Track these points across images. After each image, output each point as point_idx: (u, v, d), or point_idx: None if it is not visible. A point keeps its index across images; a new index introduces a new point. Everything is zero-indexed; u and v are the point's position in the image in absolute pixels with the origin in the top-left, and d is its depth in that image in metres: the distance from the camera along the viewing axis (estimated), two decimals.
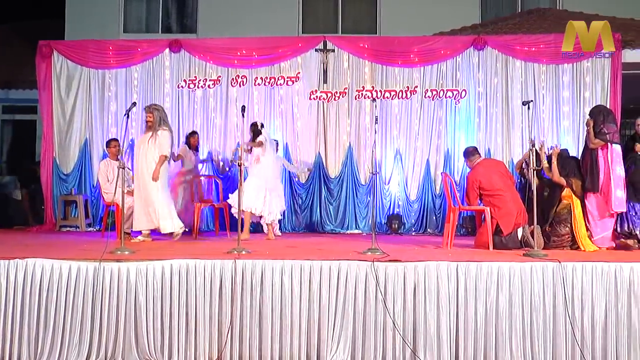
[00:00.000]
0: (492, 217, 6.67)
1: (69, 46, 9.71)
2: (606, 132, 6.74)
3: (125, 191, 6.66)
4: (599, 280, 5.22)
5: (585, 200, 6.70)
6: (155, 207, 7.13)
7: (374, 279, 5.22)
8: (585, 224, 6.65)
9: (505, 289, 5.21)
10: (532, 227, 6.24)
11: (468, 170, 7.50)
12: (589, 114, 7.07)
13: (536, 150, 6.98)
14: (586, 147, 7.10)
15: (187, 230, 7.77)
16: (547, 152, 7.04)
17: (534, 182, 6.09)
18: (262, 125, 8.03)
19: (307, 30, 13.02)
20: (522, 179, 7.87)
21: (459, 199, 7.50)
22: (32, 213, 9.98)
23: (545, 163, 6.87)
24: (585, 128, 7.22)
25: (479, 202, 6.97)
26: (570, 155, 7.42)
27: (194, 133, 8.93)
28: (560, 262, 5.27)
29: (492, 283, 5.22)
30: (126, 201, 6.71)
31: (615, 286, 5.21)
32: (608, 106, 8.46)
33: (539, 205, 6.14)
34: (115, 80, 9.49)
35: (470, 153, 7.31)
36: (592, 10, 11.44)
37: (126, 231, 7.06)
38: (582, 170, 6.87)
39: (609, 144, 6.71)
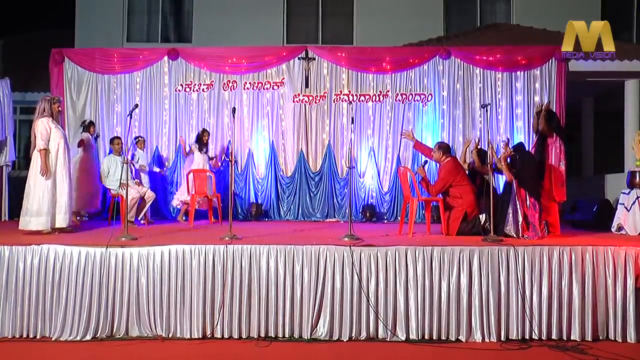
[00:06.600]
0: (459, 205, 6.68)
1: (78, 54, 9.59)
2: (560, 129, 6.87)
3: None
4: (545, 262, 5.26)
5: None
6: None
7: (350, 262, 5.20)
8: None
9: (466, 270, 5.22)
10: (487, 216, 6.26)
11: (427, 160, 7.44)
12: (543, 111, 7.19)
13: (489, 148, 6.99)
14: (538, 141, 7.18)
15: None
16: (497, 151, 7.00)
17: (491, 177, 6.11)
18: None
19: (290, 40, 13.02)
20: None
21: (418, 190, 7.46)
22: None
23: (499, 163, 6.84)
24: (535, 116, 7.34)
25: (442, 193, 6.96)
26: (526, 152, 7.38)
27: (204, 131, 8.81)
28: (514, 246, 5.30)
29: (455, 265, 5.23)
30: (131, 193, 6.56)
31: (559, 267, 5.25)
32: (554, 109, 8.53)
33: (493, 198, 6.16)
34: (120, 84, 9.38)
35: (445, 149, 7.03)
36: (541, 25, 11.54)
37: (130, 220, 6.95)
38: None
39: (560, 140, 6.81)
